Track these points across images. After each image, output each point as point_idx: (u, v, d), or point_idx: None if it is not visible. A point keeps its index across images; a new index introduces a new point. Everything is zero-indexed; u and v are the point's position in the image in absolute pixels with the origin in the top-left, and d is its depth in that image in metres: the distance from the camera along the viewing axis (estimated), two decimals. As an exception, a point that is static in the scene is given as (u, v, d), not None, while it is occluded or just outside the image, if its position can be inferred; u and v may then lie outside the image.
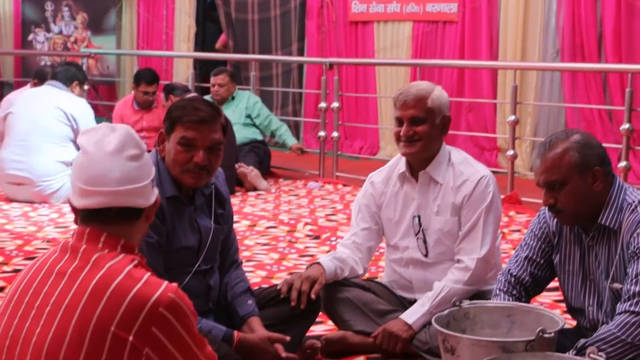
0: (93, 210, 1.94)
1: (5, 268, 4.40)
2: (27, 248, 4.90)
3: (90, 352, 1.80)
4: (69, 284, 1.87)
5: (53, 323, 1.84)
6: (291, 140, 8.07)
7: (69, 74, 6.78)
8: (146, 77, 7.99)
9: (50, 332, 1.83)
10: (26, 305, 1.90)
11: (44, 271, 1.93)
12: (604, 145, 2.85)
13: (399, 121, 3.32)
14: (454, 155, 3.39)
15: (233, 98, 7.91)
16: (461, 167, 3.35)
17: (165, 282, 1.89)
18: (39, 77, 7.49)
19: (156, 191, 2.03)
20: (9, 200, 6.56)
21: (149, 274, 1.90)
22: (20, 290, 1.93)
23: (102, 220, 1.94)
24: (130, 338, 1.81)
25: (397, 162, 3.46)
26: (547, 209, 2.81)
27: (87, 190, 1.94)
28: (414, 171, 3.39)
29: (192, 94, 6.89)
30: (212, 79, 7.87)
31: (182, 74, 10.74)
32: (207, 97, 7.32)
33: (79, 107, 6.58)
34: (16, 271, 4.32)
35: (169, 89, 7.47)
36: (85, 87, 6.97)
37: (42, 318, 1.86)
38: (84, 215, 1.96)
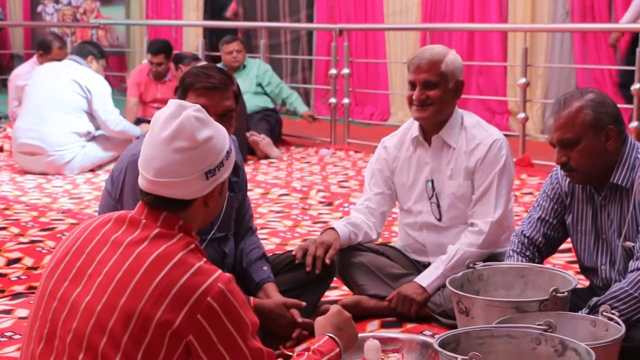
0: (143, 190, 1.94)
1: (22, 239, 4.43)
2: (42, 219, 4.93)
3: (135, 333, 1.80)
4: (124, 256, 1.86)
5: (104, 294, 1.84)
6: (302, 108, 8.08)
7: (84, 50, 6.87)
8: (151, 47, 8.11)
9: (100, 304, 1.83)
10: (77, 270, 1.89)
11: (98, 238, 1.92)
12: (615, 106, 2.84)
13: (412, 85, 3.31)
14: (467, 119, 3.39)
15: (244, 67, 7.92)
16: (474, 131, 3.35)
17: (218, 272, 1.87)
18: (44, 48, 7.56)
19: (216, 180, 1.93)
20: (24, 172, 6.61)
21: (202, 261, 1.87)
22: (72, 254, 1.92)
23: (152, 202, 1.91)
24: (176, 323, 1.80)
25: (410, 127, 3.46)
26: (559, 168, 2.82)
27: (140, 170, 1.93)
28: (427, 135, 3.39)
29: (203, 63, 6.91)
30: (226, 47, 7.85)
31: (192, 43, 10.72)
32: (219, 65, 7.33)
33: (95, 81, 6.62)
34: (33, 242, 4.35)
35: (178, 59, 7.48)
36: (103, 62, 7.02)
37: (92, 286, 1.85)
38: (140, 192, 1.95)
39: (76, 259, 1.91)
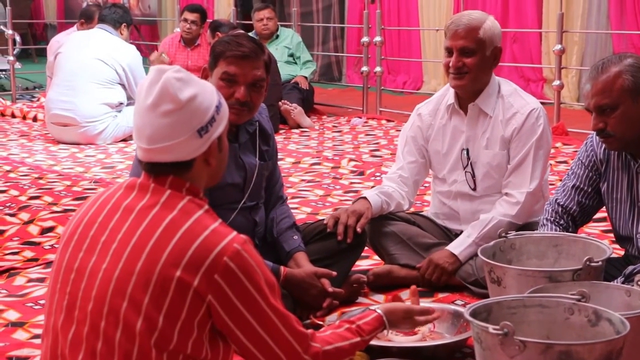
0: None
1: (55, 208, 4.47)
2: (75, 189, 4.97)
3: (155, 295, 1.80)
4: (138, 221, 1.86)
5: (120, 260, 1.84)
6: (305, 73, 7.92)
7: (117, 17, 6.81)
8: (188, 5, 8.20)
9: (117, 269, 1.83)
10: (91, 240, 1.89)
11: (110, 206, 1.92)
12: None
13: (449, 51, 3.24)
14: (504, 87, 3.33)
15: (277, 36, 7.91)
16: (511, 99, 3.29)
17: (234, 233, 1.87)
18: (86, 17, 7.55)
19: (211, 137, 1.91)
20: (57, 141, 6.66)
21: (217, 222, 1.88)
22: (84, 224, 1.92)
23: (154, 169, 1.91)
24: (195, 283, 1.80)
25: (445, 93, 3.41)
26: (595, 134, 2.77)
27: (135, 141, 1.94)
28: (463, 103, 3.34)
29: (239, 31, 6.92)
30: (258, 14, 7.83)
31: (224, 11, 10.69)
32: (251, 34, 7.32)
33: (129, 56, 6.62)
34: (66, 211, 4.38)
35: (216, 26, 7.47)
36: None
37: (108, 254, 1.86)
38: (140, 163, 1.94)
39: (89, 229, 1.91)
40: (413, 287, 2.78)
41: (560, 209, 2.91)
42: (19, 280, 3.54)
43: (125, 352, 1.80)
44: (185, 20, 8.01)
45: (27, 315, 3.14)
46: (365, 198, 3.33)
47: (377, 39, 7.89)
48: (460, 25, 3.21)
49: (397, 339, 2.66)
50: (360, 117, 7.63)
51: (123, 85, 6.60)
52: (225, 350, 1.91)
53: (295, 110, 7.22)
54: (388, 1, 9.24)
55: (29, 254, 3.86)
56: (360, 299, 3.22)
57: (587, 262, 2.46)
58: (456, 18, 3.27)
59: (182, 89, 1.88)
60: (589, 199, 2.90)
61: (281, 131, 7.00)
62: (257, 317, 1.86)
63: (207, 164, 1.94)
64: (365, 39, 8.01)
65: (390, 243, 3.37)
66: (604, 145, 2.78)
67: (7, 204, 4.56)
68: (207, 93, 1.93)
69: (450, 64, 3.22)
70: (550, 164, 5.25)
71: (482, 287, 2.97)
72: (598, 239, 2.78)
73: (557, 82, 6.74)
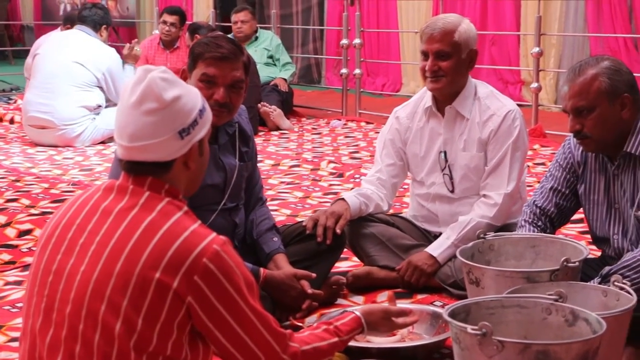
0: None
1: (33, 211, 4.44)
2: (53, 191, 4.94)
3: (134, 297, 1.80)
4: (116, 224, 1.86)
5: (99, 262, 1.83)
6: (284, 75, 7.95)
7: (98, 18, 6.76)
8: (167, 7, 8.25)
9: (96, 271, 1.82)
10: (69, 242, 1.88)
11: (88, 208, 1.91)
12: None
13: (425, 55, 3.26)
14: (480, 89, 3.35)
15: (256, 38, 7.90)
16: (487, 102, 3.31)
17: (213, 234, 1.86)
18: (71, 22, 7.51)
19: (192, 139, 1.91)
20: (34, 144, 6.62)
21: (196, 224, 1.87)
22: (62, 226, 1.91)
23: (133, 169, 1.91)
24: (174, 285, 1.80)
25: (423, 96, 3.42)
26: (572, 136, 2.79)
27: (115, 139, 1.93)
28: (440, 105, 3.35)
29: (218, 33, 6.91)
30: (234, 17, 7.84)
31: (203, 13, 10.67)
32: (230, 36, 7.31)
33: (109, 59, 6.59)
34: (44, 214, 4.36)
35: (194, 28, 7.45)
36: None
37: (86, 256, 1.85)
38: (120, 162, 1.94)
39: (67, 232, 1.90)
40: (390, 292, 2.79)
41: (538, 211, 2.93)
42: (-3, 283, 3.52)
43: (104, 354, 1.79)
44: (164, 22, 8.00)
45: (5, 318, 3.13)
46: (343, 200, 3.33)
47: (357, 41, 7.90)
48: (436, 29, 3.23)
49: (376, 340, 2.67)
50: (340, 119, 7.63)
51: (101, 88, 6.57)
52: (204, 351, 1.91)
53: (274, 112, 7.22)
54: (367, 3, 9.26)
55: (6, 256, 3.84)
56: (340, 301, 3.22)
57: (565, 263, 2.48)
58: (431, 22, 3.29)
59: (166, 89, 1.88)
60: (566, 201, 2.92)
61: (260, 133, 6.99)
62: (236, 317, 1.86)
63: (187, 167, 1.94)
64: (344, 41, 8.02)
65: (369, 244, 3.38)
66: (581, 148, 2.80)
67: (-16, 207, 4.54)
68: (192, 96, 1.93)
69: (427, 68, 3.24)
70: (528, 166, 5.28)
71: (461, 288, 2.99)
72: (575, 240, 2.80)
73: (535, 85, 6.78)
